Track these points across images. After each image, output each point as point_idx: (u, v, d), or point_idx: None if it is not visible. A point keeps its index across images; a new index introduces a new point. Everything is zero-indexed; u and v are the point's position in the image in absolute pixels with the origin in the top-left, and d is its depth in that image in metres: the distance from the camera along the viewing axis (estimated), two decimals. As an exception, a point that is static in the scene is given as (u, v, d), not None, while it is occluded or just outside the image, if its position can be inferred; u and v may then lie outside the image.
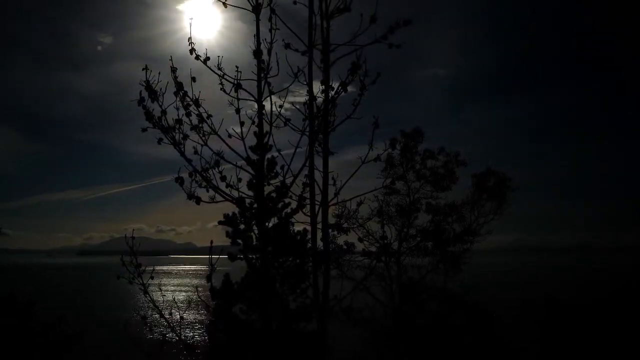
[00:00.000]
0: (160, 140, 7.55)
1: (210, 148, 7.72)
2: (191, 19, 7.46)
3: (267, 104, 7.95)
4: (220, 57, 7.69)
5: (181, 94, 7.53)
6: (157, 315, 8.15)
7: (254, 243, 7.96)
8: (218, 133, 7.78)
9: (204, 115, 7.69)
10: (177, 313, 8.48)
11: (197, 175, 7.63)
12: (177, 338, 8.28)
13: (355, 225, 28.51)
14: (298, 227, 8.83)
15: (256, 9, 7.76)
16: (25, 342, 23.11)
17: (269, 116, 7.96)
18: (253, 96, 7.91)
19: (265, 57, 7.77)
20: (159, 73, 7.43)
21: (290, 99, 8.12)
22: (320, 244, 8.68)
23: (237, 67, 7.69)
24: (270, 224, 8.05)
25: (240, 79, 7.73)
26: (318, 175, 8.61)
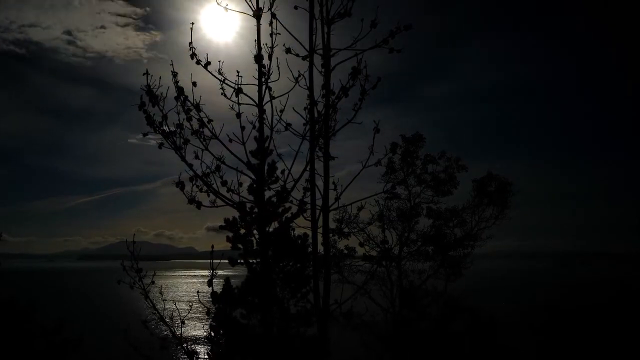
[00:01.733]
0: (161, 145, 7.55)
1: (211, 153, 7.72)
2: (192, 24, 7.48)
3: (267, 109, 7.95)
4: (221, 62, 7.71)
5: (182, 98, 7.53)
6: (158, 320, 8.14)
7: (255, 247, 7.96)
8: (219, 138, 7.78)
9: (205, 119, 7.69)
10: (177, 318, 8.47)
11: (198, 179, 7.63)
12: (178, 343, 8.27)
13: (356, 230, 28.59)
14: (299, 232, 8.84)
15: (257, 14, 7.77)
16: (25, 347, 23.10)
17: (269, 121, 7.96)
18: (254, 101, 7.91)
19: (266, 61, 7.78)
20: (160, 78, 7.44)
21: (291, 103, 8.12)
22: (321, 248, 8.67)
23: (237, 72, 7.70)
24: (271, 229, 8.04)
25: (241, 84, 7.74)
26: (319, 180, 8.60)
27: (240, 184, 7.85)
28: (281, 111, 8.04)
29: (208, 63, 7.64)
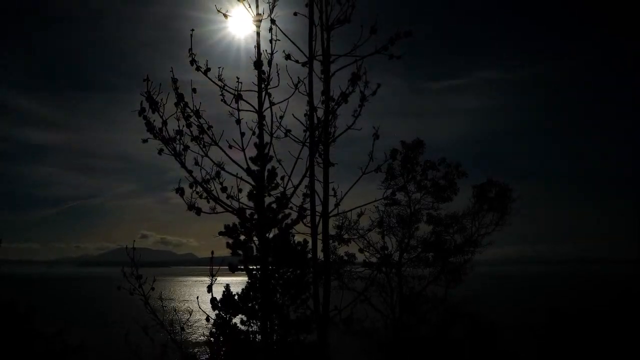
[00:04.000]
0: (160, 151, 7.55)
1: (210, 159, 7.72)
2: (192, 30, 7.48)
3: (267, 115, 7.96)
4: (221, 69, 7.72)
5: (182, 105, 7.53)
6: (158, 326, 8.12)
7: (255, 254, 7.95)
8: (219, 144, 7.78)
9: (205, 126, 7.70)
10: (177, 324, 8.47)
11: (198, 186, 7.63)
12: (178, 349, 8.26)
13: (355, 236, 28.52)
14: (298, 238, 8.83)
15: (256, 20, 7.78)
16: (26, 352, 23.07)
17: (269, 127, 7.97)
18: (254, 107, 7.92)
19: (265, 68, 7.78)
20: (160, 84, 7.46)
21: (291, 109, 8.13)
22: (320, 254, 8.67)
23: (237, 77, 7.70)
24: (271, 235, 8.04)
25: (241, 90, 7.74)
26: (319, 186, 8.60)
27: (240, 190, 7.85)
28: (281, 117, 8.05)
29: (208, 69, 7.65)
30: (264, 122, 7.95)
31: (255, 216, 7.88)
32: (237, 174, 7.85)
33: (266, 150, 7.92)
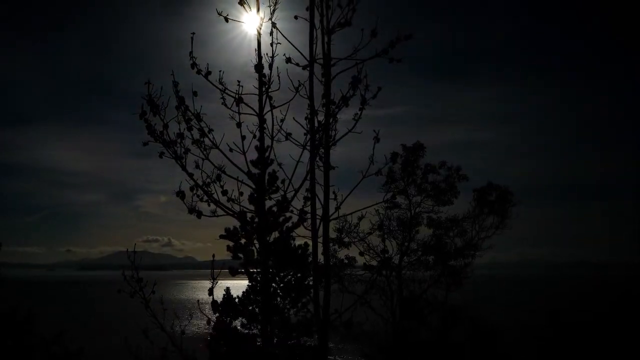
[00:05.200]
0: (161, 154, 7.55)
1: (211, 162, 7.73)
2: (192, 34, 7.48)
3: (268, 118, 7.96)
4: (222, 72, 7.72)
5: (182, 108, 7.53)
6: (158, 329, 8.11)
7: (255, 257, 7.95)
8: (219, 147, 7.78)
9: (205, 129, 7.70)
10: (178, 327, 8.45)
11: (199, 189, 7.63)
12: (178, 351, 8.25)
13: (356, 239, 28.55)
14: (299, 241, 8.83)
15: (257, 24, 7.78)
16: (26, 356, 23.02)
17: (270, 130, 7.97)
18: (254, 110, 7.92)
19: (266, 71, 7.79)
20: (161, 87, 7.46)
21: (292, 113, 8.12)
22: (321, 258, 8.66)
23: (238, 81, 7.71)
24: (271, 238, 8.04)
25: (241, 93, 7.75)
26: (319, 190, 8.58)
27: (240, 194, 7.85)
28: (282, 121, 8.04)
29: (209, 73, 7.65)
30: (265, 125, 7.96)
31: (256, 219, 7.88)
32: (237, 177, 7.85)
33: (267, 154, 7.92)
